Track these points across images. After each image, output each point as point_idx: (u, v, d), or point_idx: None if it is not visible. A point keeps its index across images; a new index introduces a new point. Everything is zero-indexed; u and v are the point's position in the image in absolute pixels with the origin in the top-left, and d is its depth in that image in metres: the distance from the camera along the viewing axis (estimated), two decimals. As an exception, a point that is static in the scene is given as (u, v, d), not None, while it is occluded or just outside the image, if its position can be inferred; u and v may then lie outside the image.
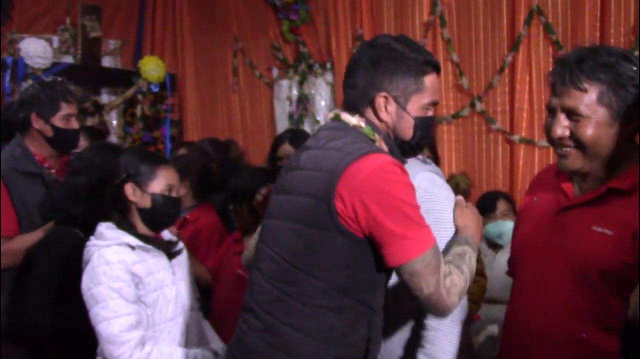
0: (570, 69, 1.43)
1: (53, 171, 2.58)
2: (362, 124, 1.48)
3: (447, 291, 1.38)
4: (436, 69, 1.53)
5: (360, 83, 1.49)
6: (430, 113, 1.55)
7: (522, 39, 3.39)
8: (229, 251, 2.65)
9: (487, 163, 3.56)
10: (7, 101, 4.30)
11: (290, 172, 1.52)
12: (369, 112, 1.51)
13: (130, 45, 5.37)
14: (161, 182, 1.98)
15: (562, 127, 1.45)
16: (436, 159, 2.34)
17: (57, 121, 2.54)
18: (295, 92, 4.51)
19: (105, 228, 1.90)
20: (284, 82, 4.60)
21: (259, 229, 1.81)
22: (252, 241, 1.77)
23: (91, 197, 2.11)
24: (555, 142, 1.49)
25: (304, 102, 4.44)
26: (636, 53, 2.99)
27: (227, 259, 2.61)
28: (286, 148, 2.93)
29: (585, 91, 1.41)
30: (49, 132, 2.53)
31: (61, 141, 2.58)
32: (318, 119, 4.36)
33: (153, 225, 1.99)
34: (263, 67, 4.75)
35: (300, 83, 4.45)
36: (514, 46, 3.43)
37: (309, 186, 1.43)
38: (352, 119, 1.49)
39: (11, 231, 2.39)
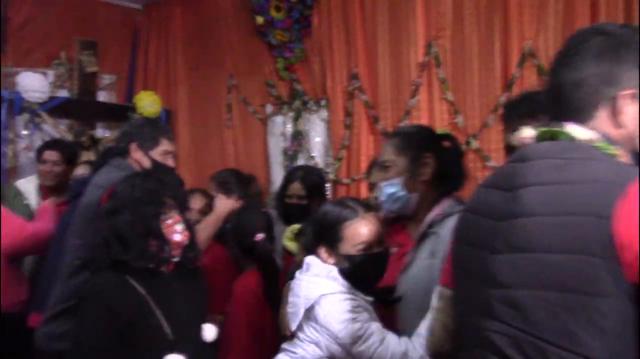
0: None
1: None
2: (594, 136, 1.15)
3: None
4: None
5: (589, 79, 1.16)
6: None
7: (515, 81, 3.52)
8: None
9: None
10: (4, 134, 4.31)
11: (507, 221, 1.14)
12: (600, 118, 1.17)
13: (123, 80, 5.41)
14: (351, 241, 1.82)
15: None
16: None
17: (156, 155, 2.65)
18: (289, 129, 4.58)
19: (337, 273, 1.82)
20: (278, 119, 4.66)
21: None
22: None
23: (139, 236, 1.91)
24: None
25: (298, 138, 4.51)
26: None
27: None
28: (296, 186, 2.98)
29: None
30: (146, 163, 2.63)
31: None
32: (313, 155, 4.43)
33: (357, 285, 1.85)
34: (257, 104, 4.82)
35: (295, 119, 4.53)
36: (507, 87, 3.55)
37: (563, 238, 1.05)
38: (584, 132, 1.15)
39: None
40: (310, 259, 1.89)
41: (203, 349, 1.99)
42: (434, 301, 1.51)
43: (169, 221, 1.97)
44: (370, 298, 1.85)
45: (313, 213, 2.88)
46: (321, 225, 1.87)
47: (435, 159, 2.04)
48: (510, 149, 1.59)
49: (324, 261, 1.85)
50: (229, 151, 4.96)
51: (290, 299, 1.86)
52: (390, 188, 2.02)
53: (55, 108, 4.52)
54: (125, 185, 2.02)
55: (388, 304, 1.91)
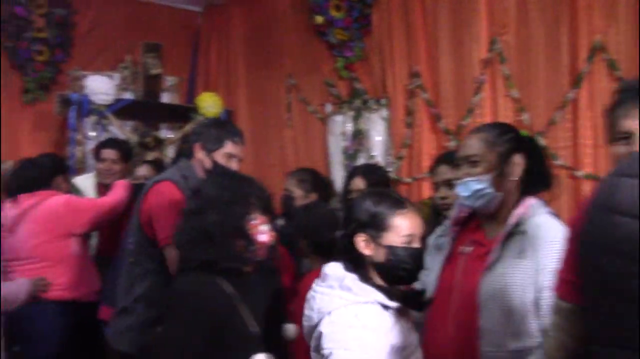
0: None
1: None
2: None
3: None
4: None
5: None
6: None
7: (584, 76, 3.41)
8: None
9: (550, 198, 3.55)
10: (72, 136, 4.45)
11: None
12: None
13: (185, 81, 5.52)
14: (398, 232, 1.75)
15: None
16: None
17: (219, 156, 2.61)
18: (349, 128, 4.55)
19: (352, 281, 1.72)
20: (338, 118, 4.64)
21: None
22: None
23: (227, 236, 1.89)
24: None
25: (359, 138, 4.49)
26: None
27: None
28: (357, 182, 2.98)
29: None
30: (208, 164, 2.59)
31: None
32: (373, 154, 4.40)
33: (392, 281, 1.78)
34: (316, 103, 4.82)
35: (355, 118, 4.50)
36: (575, 82, 3.44)
37: None
38: None
39: None
40: (327, 269, 1.81)
41: (284, 348, 2.00)
42: (551, 316, 1.41)
43: (255, 221, 1.95)
44: (395, 304, 1.72)
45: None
46: (367, 213, 1.78)
47: (525, 159, 2.00)
48: (620, 136, 1.47)
49: (361, 250, 1.76)
50: (289, 151, 4.99)
51: (306, 312, 1.80)
52: (478, 184, 1.96)
53: (121, 110, 4.65)
54: (212, 185, 2.01)
55: (418, 308, 1.83)
